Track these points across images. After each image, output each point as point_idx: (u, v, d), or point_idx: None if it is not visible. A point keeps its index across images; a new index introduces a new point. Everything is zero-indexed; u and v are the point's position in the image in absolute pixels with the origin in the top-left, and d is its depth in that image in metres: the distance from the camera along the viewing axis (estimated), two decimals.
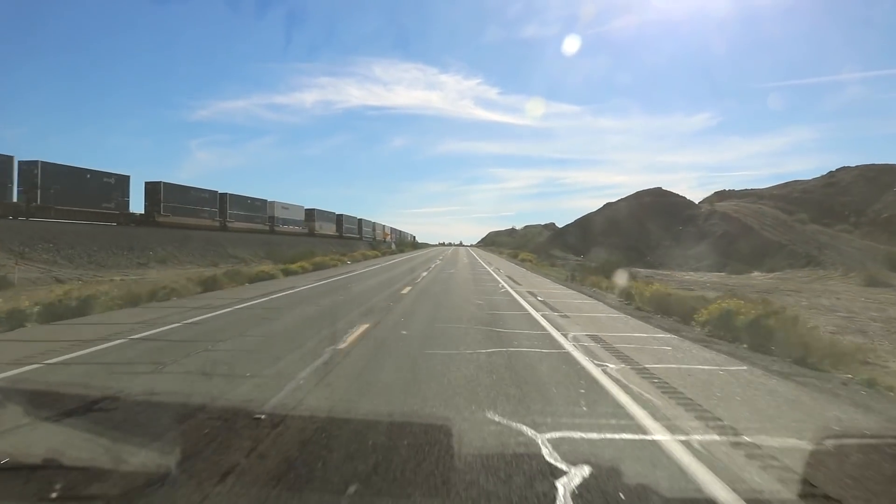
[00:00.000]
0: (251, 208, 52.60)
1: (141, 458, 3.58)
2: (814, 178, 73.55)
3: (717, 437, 4.10)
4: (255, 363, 6.48)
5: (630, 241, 57.98)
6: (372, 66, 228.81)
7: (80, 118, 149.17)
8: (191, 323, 9.93)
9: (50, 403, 4.72)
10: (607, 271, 22.53)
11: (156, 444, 3.79)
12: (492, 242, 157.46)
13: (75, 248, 30.13)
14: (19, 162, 29.94)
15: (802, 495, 3.17)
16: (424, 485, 3.15)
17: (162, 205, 39.91)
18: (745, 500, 3.07)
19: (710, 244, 53.44)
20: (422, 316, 11.15)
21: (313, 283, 20.05)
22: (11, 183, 29.49)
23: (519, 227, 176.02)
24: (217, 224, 46.50)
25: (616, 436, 4.09)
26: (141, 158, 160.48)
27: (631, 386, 5.58)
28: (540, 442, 3.85)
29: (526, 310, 12.55)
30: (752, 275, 43.43)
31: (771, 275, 43.52)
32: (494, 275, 27.22)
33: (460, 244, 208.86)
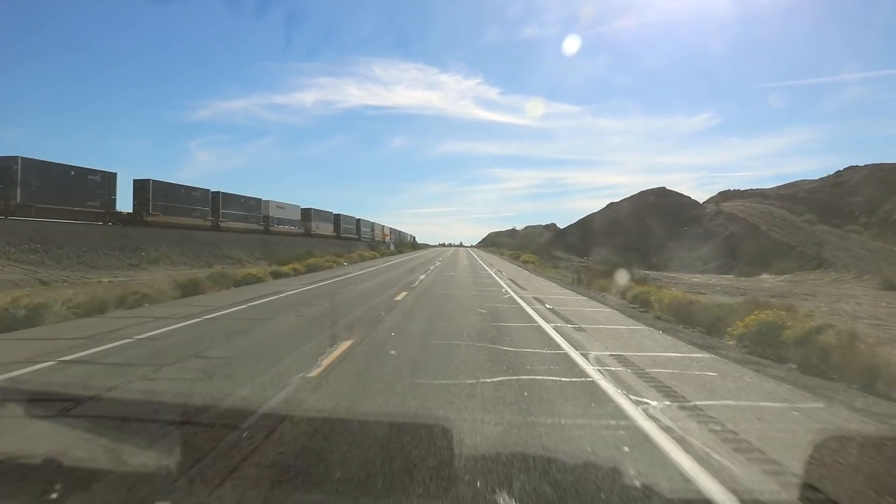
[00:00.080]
0: (245, 207, 50.84)
1: None
2: (820, 178, 72.17)
3: None
4: (195, 401, 5.02)
5: (633, 242, 56.46)
6: (372, 66, 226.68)
7: (80, 119, 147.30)
8: (146, 338, 8.51)
9: None
10: (614, 274, 21.12)
11: None
12: (492, 243, 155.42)
13: (64, 249, 28.78)
14: None
15: None
16: None
17: (151, 203, 38.33)
18: None
19: (716, 245, 52.00)
20: (416, 330, 9.71)
21: (302, 288, 18.63)
22: None
23: (519, 227, 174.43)
24: (209, 224, 44.86)
25: None
26: (141, 159, 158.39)
27: (690, 440, 4.13)
28: None
29: (535, 321, 11.11)
30: (762, 277, 41.95)
31: (781, 277, 42.07)
32: (497, 278, 25.78)
33: (460, 245, 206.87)
